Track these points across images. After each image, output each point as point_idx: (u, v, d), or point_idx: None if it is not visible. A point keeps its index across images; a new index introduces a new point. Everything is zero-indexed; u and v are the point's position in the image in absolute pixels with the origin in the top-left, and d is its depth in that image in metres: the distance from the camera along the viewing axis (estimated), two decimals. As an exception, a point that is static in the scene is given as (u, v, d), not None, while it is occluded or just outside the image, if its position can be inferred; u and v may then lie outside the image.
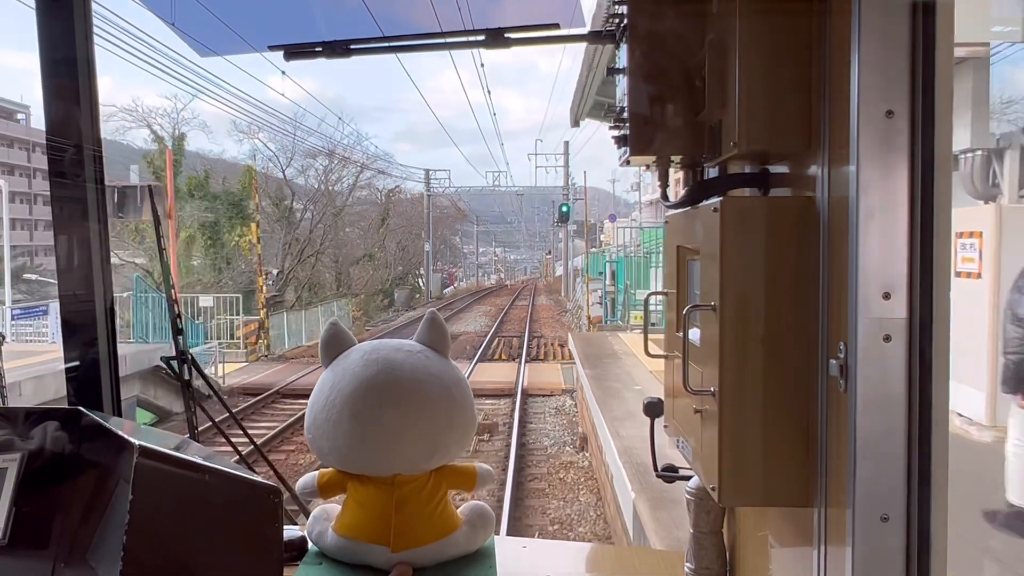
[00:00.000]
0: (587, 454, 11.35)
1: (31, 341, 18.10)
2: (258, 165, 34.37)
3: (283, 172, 37.38)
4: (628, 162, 1.76)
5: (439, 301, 49.18)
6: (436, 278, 57.66)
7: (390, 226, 45.69)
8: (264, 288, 25.07)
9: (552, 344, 24.91)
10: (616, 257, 29.68)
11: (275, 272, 31.09)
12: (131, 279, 20.89)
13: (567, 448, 11.91)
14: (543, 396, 16.04)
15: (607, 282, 27.44)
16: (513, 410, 14.44)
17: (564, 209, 40.97)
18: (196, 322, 20.62)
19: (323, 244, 36.85)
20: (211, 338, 20.64)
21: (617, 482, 7.60)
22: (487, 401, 15.45)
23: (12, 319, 18.87)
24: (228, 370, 18.66)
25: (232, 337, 21.96)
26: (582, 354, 14.99)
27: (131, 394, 13.52)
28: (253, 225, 26.37)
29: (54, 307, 18.00)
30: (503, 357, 22.80)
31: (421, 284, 53.07)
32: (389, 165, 47.40)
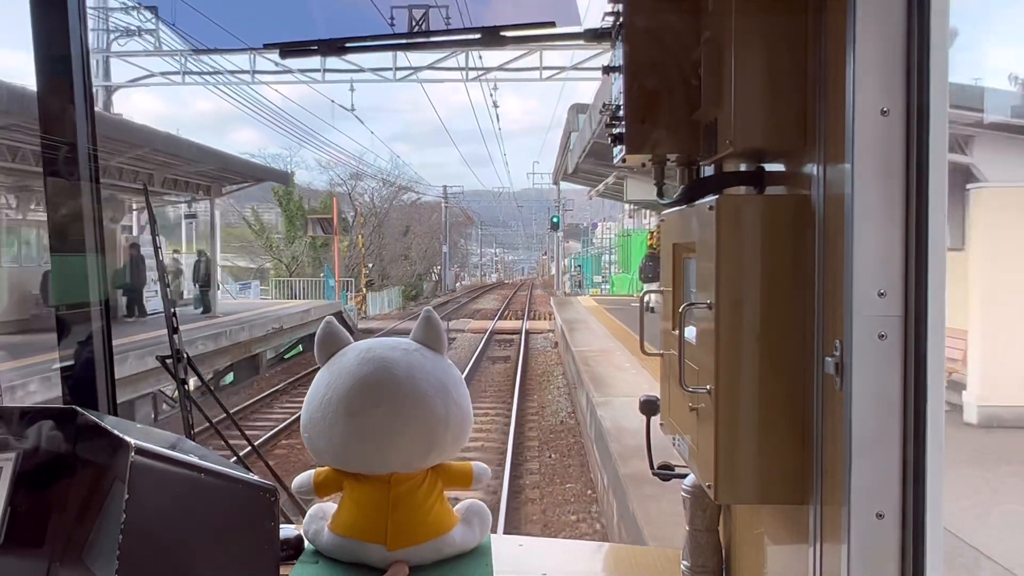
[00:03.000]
0: (558, 350, 23.83)
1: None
2: (327, 188, 50.60)
3: (349, 195, 50.80)
4: (624, 160, 1.76)
5: (454, 293, 63.11)
6: (450, 274, 71.50)
7: (414, 231, 60.30)
8: (365, 274, 41.72)
9: (544, 313, 39.61)
10: (584, 256, 59.31)
11: (370, 266, 45.38)
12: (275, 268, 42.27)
13: (548, 348, 25.55)
14: (537, 333, 30.19)
15: (573, 271, 56.24)
16: (521, 336, 28.25)
17: (555, 220, 52.70)
18: (344, 293, 37.06)
19: (375, 247, 49.11)
20: (347, 304, 34.90)
21: (560, 327, 23.99)
22: (506, 335, 29.53)
23: (239, 290, 38.29)
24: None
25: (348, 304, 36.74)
26: (557, 305, 33.59)
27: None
28: (359, 237, 42.98)
29: (254, 283, 37.12)
30: (512, 318, 38.12)
31: (435, 279, 64.57)
32: (420, 185, 65.38)
